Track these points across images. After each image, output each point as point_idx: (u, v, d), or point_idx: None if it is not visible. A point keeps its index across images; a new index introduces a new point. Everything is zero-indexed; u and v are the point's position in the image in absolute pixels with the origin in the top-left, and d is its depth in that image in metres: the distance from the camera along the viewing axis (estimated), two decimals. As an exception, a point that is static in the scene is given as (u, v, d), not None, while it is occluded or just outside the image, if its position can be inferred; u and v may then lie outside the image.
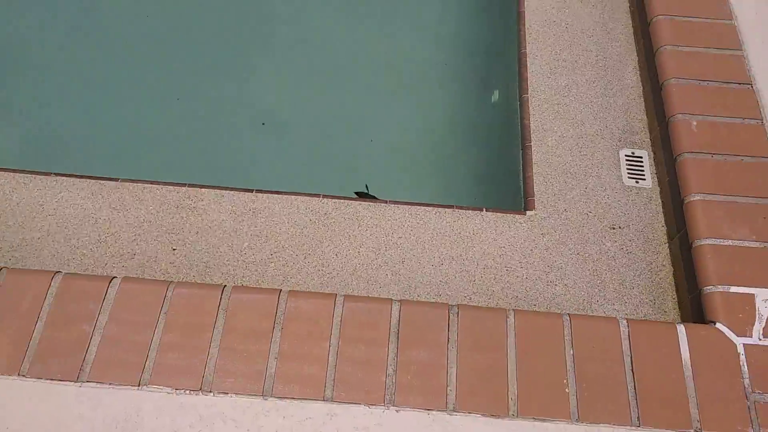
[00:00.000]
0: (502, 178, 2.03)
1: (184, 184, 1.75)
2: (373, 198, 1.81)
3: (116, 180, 1.74)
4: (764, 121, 1.65)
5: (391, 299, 1.40)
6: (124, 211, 1.69)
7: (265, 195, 1.72)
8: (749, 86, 1.70)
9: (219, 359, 1.32)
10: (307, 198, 1.71)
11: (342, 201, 1.71)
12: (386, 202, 1.71)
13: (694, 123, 1.63)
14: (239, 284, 1.57)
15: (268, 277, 1.59)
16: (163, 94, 2.35)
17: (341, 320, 1.36)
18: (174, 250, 1.65)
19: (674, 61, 1.74)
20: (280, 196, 1.71)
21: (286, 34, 2.53)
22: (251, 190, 1.72)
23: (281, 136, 2.22)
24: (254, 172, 2.12)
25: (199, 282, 1.58)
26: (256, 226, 1.67)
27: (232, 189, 1.73)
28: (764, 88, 1.70)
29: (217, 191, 1.72)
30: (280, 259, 1.62)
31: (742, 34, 1.81)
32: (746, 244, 1.46)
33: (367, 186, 1.98)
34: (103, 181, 1.74)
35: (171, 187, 1.74)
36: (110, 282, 1.41)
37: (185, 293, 1.40)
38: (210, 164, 2.10)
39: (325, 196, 1.72)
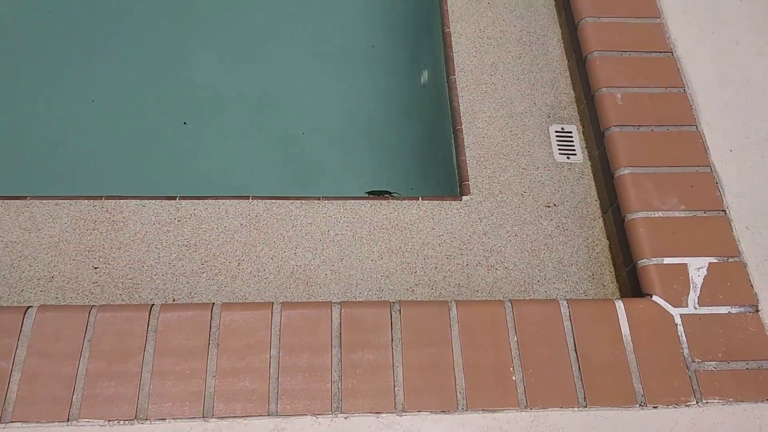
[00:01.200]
0: (437, 162, 2.00)
1: (100, 197, 1.63)
2: (387, 194, 1.72)
3: (24, 198, 1.61)
4: (686, 89, 1.67)
5: (331, 302, 1.35)
6: (37, 231, 1.57)
7: (190, 201, 1.62)
8: (670, 54, 1.72)
9: (153, 384, 1.24)
10: (236, 201, 1.63)
11: (273, 201, 1.64)
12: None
13: (619, 96, 1.64)
14: (171, 299, 1.49)
15: (201, 288, 1.51)
16: (75, 96, 2.19)
17: (280, 329, 1.30)
18: (96, 268, 1.54)
19: (596, 32, 1.74)
20: (205, 201, 1.62)
21: (204, 25, 2.41)
22: (174, 198, 1.63)
23: (205, 134, 2.11)
24: (179, 177, 2.01)
25: (127, 301, 1.49)
26: (183, 236, 1.58)
27: (153, 198, 1.63)
28: (684, 55, 1.73)
29: (138, 201, 1.62)
30: (213, 268, 1.54)
31: (659, 2, 1.82)
32: (676, 214, 1.48)
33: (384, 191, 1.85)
34: (9, 201, 1.60)
35: (86, 201, 1.62)
36: (25, 312, 1.30)
37: (110, 317, 1.31)
38: (129, 172, 1.98)
39: (254, 198, 1.65)
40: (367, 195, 1.75)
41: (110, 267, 1.54)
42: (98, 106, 2.13)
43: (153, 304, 1.33)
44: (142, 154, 2.04)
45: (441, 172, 1.93)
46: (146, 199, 1.63)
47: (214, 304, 1.33)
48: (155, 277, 1.53)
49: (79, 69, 2.21)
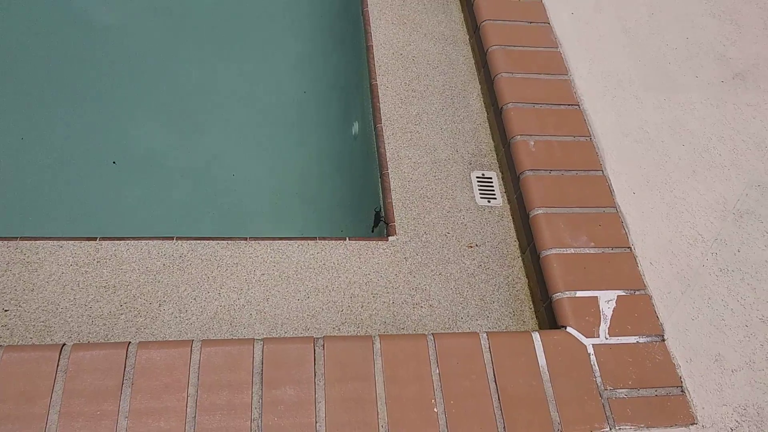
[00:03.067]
0: (366, 206, 2.05)
1: (15, 238, 1.57)
2: (378, 219, 1.76)
3: (-70, 239, 1.53)
4: (592, 137, 1.81)
5: (253, 339, 1.34)
6: (-59, 273, 1.49)
7: (111, 242, 1.59)
8: (577, 107, 1.87)
9: (60, 426, 1.18)
10: (159, 241, 1.61)
11: (198, 242, 1.63)
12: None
13: (532, 143, 1.75)
14: (85, 341, 1.43)
15: (118, 331, 1.46)
16: (4, 134, 2.13)
17: (199, 367, 1.27)
18: (6, 311, 1.47)
19: (510, 87, 1.87)
20: (127, 242, 1.59)
21: (141, 68, 2.42)
22: (95, 239, 1.59)
23: (134, 175, 2.09)
24: (105, 217, 1.97)
25: (36, 344, 1.41)
26: (101, 277, 1.54)
27: (72, 239, 1.58)
28: (590, 108, 1.88)
29: (55, 242, 1.57)
30: (132, 309, 1.50)
31: (567, 61, 1.99)
32: (586, 250, 1.58)
33: (375, 210, 1.87)
34: None
35: (0, 242, 1.56)
36: None
37: (17, 358, 1.25)
38: (52, 212, 1.92)
39: (179, 238, 1.63)
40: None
41: (21, 309, 1.47)
42: (27, 143, 2.08)
43: (64, 344, 1.27)
44: (68, 194, 1.99)
45: (370, 217, 1.98)
46: (64, 240, 1.58)
47: (129, 342, 1.29)
48: (69, 320, 1.47)
49: (11, 107, 2.17)
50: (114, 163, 2.10)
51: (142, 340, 1.42)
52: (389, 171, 1.84)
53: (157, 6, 2.63)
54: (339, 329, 1.54)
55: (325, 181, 2.33)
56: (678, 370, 1.41)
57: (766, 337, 1.47)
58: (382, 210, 1.76)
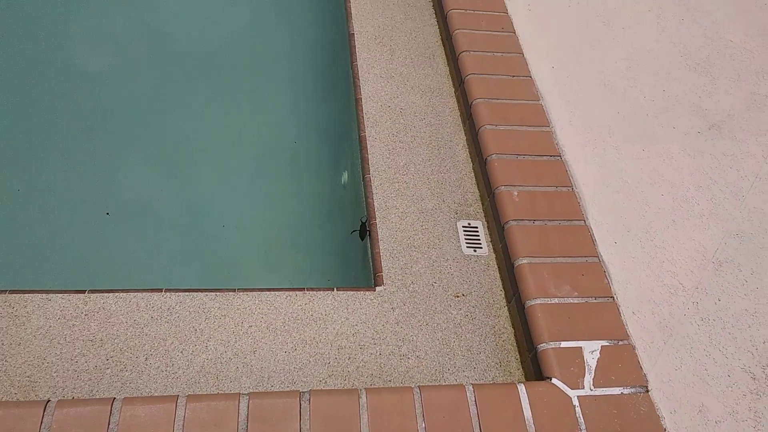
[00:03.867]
0: (355, 256, 2.07)
1: (4, 291, 1.58)
2: (365, 230, 1.86)
3: None
4: (574, 188, 1.85)
5: (239, 393, 1.34)
6: (-72, 328, 1.49)
7: (100, 295, 1.60)
8: (559, 158, 1.92)
9: (41, 489, 1.17)
10: (148, 294, 1.62)
11: (187, 294, 1.64)
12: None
13: (516, 193, 1.80)
14: (70, 397, 1.42)
15: (104, 386, 1.46)
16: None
17: (183, 423, 1.27)
18: (-9, 366, 1.46)
19: (494, 138, 1.93)
20: (116, 294, 1.61)
21: (131, 117, 2.47)
22: (83, 291, 1.60)
23: (125, 225, 2.11)
24: (95, 268, 1.98)
25: (21, 400, 1.41)
26: (89, 330, 1.54)
27: (61, 291, 1.59)
28: (571, 159, 1.93)
29: (43, 295, 1.58)
30: (118, 363, 1.50)
31: (549, 113, 2.05)
32: (570, 300, 1.60)
33: (362, 221, 1.93)
34: None
35: (-12, 295, 1.57)
36: None
37: (0, 414, 1.24)
38: (43, 264, 1.93)
39: (167, 290, 1.64)
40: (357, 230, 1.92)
41: (7, 364, 1.47)
42: (22, 195, 2.10)
43: (48, 400, 1.27)
44: (59, 245, 2.00)
45: (358, 266, 2.00)
46: (53, 293, 1.59)
47: (114, 398, 1.29)
48: (55, 375, 1.46)
49: (4, 159, 2.20)
50: (108, 214, 2.13)
51: (127, 395, 1.42)
52: (377, 221, 1.87)
53: (148, 55, 2.70)
54: (326, 382, 1.54)
55: (314, 230, 2.36)
56: (662, 422, 1.42)
57: (749, 388, 1.49)
58: (369, 221, 1.82)
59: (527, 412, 1.38)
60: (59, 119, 2.39)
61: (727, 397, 1.47)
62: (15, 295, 1.58)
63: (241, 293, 1.66)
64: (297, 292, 1.69)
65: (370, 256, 1.84)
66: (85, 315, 1.57)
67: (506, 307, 1.75)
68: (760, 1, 2.72)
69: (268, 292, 1.67)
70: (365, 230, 1.89)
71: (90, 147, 2.31)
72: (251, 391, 1.45)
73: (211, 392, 1.47)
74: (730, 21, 2.60)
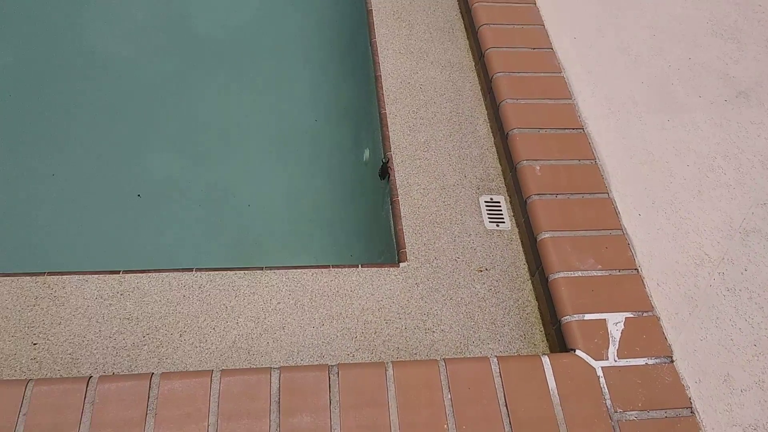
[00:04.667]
0: (379, 233, 2.10)
1: (42, 273, 1.65)
2: (386, 170, 1.92)
3: (-37, 276, 1.61)
4: (597, 161, 1.84)
5: (270, 367, 1.39)
6: (-26, 309, 1.56)
7: (134, 275, 1.66)
8: (581, 130, 1.91)
9: (87, 458, 1.23)
10: (179, 273, 1.67)
11: (217, 272, 1.69)
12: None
13: (538, 167, 1.80)
14: (111, 373, 1.49)
15: (142, 362, 1.52)
16: (27, 170, 2.22)
17: (219, 396, 1.33)
18: (35, 344, 1.54)
19: (515, 113, 1.92)
20: (149, 274, 1.66)
21: (156, 101, 2.51)
22: (118, 272, 1.66)
23: (153, 206, 2.17)
24: (130, 249, 2.04)
25: (64, 376, 1.48)
26: (125, 309, 1.60)
27: (96, 273, 1.65)
28: (594, 131, 1.92)
29: (81, 276, 1.64)
30: (154, 340, 1.56)
31: (571, 85, 2.04)
32: (593, 273, 1.61)
33: (383, 160, 1.99)
34: (-52, 279, 1.60)
35: (28, 277, 1.64)
36: (-44, 390, 1.29)
37: (46, 391, 1.31)
38: (78, 246, 2.00)
39: (198, 270, 1.69)
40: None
41: (50, 343, 1.54)
42: (57, 180, 2.17)
43: (90, 376, 1.33)
44: (92, 227, 2.07)
45: (382, 242, 2.03)
46: (89, 274, 1.65)
47: (153, 374, 1.35)
48: (95, 352, 1.53)
49: (40, 145, 2.27)
50: (139, 196, 2.18)
51: (165, 370, 1.48)
52: (399, 198, 1.89)
53: (168, 40, 2.72)
54: (353, 356, 1.58)
55: (338, 208, 2.39)
56: (687, 392, 1.43)
57: (776, 356, 1.49)
58: (390, 161, 1.88)
59: (551, 383, 1.41)
60: (86, 105, 2.44)
61: (753, 366, 1.47)
62: (53, 276, 1.64)
63: (269, 271, 1.70)
64: (323, 270, 1.72)
65: (393, 232, 1.86)
66: (121, 294, 1.63)
67: (530, 281, 1.77)
68: (791, -38, 2.63)
69: (294, 270, 1.71)
70: (386, 170, 1.95)
71: (116, 131, 2.36)
72: (282, 365, 1.50)
73: (244, 366, 1.52)
74: (759, -16, 2.52)
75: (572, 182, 1.78)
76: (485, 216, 1.89)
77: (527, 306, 1.73)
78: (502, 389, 1.39)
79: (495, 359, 1.44)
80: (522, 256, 1.82)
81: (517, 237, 1.85)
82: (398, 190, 1.91)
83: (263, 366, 1.51)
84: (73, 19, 2.72)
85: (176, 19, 2.81)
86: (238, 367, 1.49)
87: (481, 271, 1.78)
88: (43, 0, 2.77)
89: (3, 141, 2.28)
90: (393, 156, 1.98)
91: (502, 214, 1.90)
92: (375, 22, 2.37)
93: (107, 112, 2.43)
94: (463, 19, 2.42)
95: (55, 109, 2.41)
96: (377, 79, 2.18)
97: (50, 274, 1.65)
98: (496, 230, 1.87)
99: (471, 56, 2.31)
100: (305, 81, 2.68)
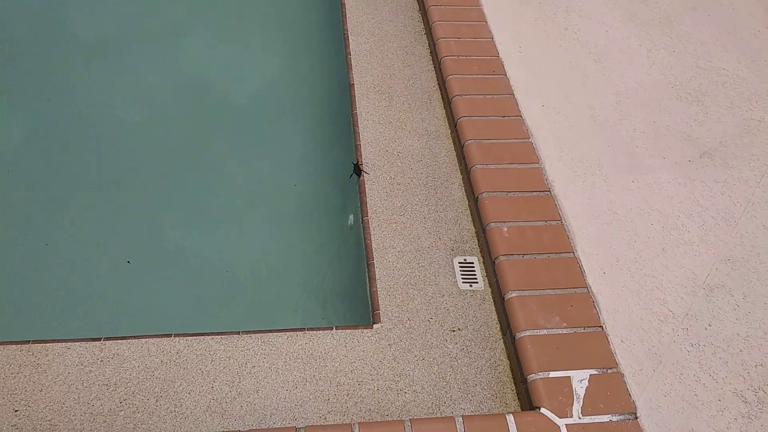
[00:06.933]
0: (358, 296, 2.15)
1: (27, 341, 1.71)
2: (358, 170, 2.05)
3: (-49, 345, 1.68)
4: (563, 221, 1.91)
5: (239, 430, 1.42)
6: (-40, 377, 1.62)
7: (114, 342, 1.72)
8: (548, 193, 1.99)
9: None
10: (158, 339, 1.73)
11: (194, 338, 1.75)
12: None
13: (505, 229, 1.87)
14: (86, 439, 1.53)
15: (118, 428, 1.56)
16: (31, 240, 2.32)
17: (186, 460, 1.36)
18: (16, 411, 1.59)
19: (485, 177, 2.01)
20: (129, 341, 1.72)
21: (144, 171, 2.63)
22: (99, 339, 1.72)
23: (145, 272, 2.25)
24: (111, 314, 2.10)
25: (42, 443, 1.52)
26: (104, 375, 1.65)
27: (79, 340, 1.72)
28: (560, 193, 2.00)
29: (63, 344, 1.70)
30: (131, 405, 1.60)
31: (539, 150, 2.13)
32: (559, 331, 1.64)
33: (354, 163, 2.14)
34: (-63, 349, 1.67)
35: (14, 345, 1.71)
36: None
37: (20, 457, 1.35)
38: (65, 313, 2.07)
39: (177, 335, 1.75)
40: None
41: (30, 410, 1.59)
42: (51, 249, 2.26)
43: (63, 442, 1.37)
44: (80, 292, 2.14)
45: (361, 305, 2.08)
46: (71, 341, 1.72)
47: (124, 438, 1.39)
48: (73, 418, 1.57)
49: (34, 215, 2.38)
50: (128, 262, 2.27)
51: (138, 435, 1.52)
52: (375, 261, 1.96)
53: (159, 112, 2.88)
54: (325, 418, 1.61)
55: (324, 270, 2.45)
56: (652, 448, 1.44)
57: (740, 411, 1.50)
58: (360, 161, 2.03)
59: (516, 442, 1.43)
60: (88, 173, 2.57)
61: (717, 421, 1.48)
62: (37, 344, 1.71)
63: (245, 335, 1.76)
64: (297, 332, 1.77)
65: (368, 295, 1.92)
66: (101, 361, 1.68)
67: (501, 340, 1.80)
68: (752, 29, 2.78)
69: (270, 333, 1.77)
70: (358, 170, 2.11)
71: (108, 201, 2.47)
72: (250, 428, 1.53)
73: (217, 430, 1.55)
74: (723, 50, 2.66)
75: (539, 243, 1.84)
76: (459, 277, 1.95)
77: (499, 365, 1.76)
78: (466, 449, 1.41)
79: (461, 418, 1.46)
80: (494, 316, 1.86)
81: (490, 297, 1.90)
82: (374, 254, 1.98)
83: (234, 429, 1.54)
84: (82, 87, 2.90)
85: (173, 93, 2.98)
86: (207, 431, 1.53)
87: (453, 330, 1.82)
88: (48, 68, 2.97)
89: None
90: (370, 221, 2.07)
91: (475, 275, 1.96)
92: (356, 96, 2.52)
93: (107, 179, 2.56)
94: (441, 90, 2.56)
95: (54, 178, 2.53)
96: (357, 148, 2.30)
97: (35, 342, 1.71)
98: (470, 290, 1.92)
99: (447, 124, 2.43)
100: (296, 148, 2.80)
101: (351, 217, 2.57)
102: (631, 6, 2.86)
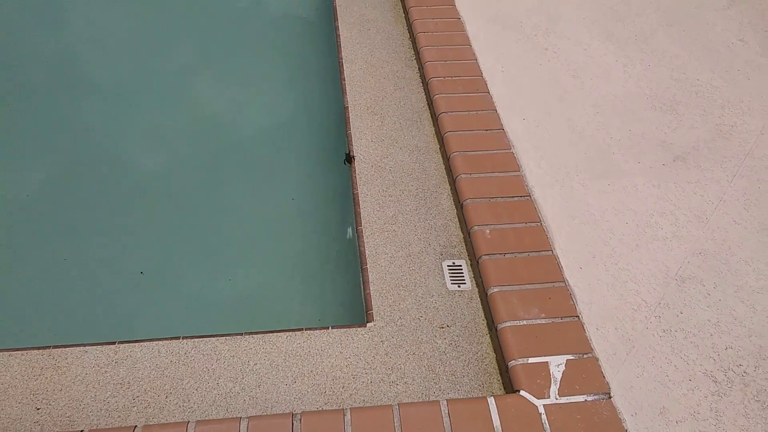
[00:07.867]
0: (355, 299, 2.28)
1: (49, 346, 1.86)
2: (350, 157, 2.35)
3: (-20, 351, 1.83)
4: (542, 223, 2.04)
5: (240, 417, 1.54)
6: (-13, 380, 1.77)
7: (127, 345, 1.86)
8: (528, 197, 2.12)
9: (74, 503, 1.38)
10: (168, 341, 1.87)
11: (201, 339, 1.88)
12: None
13: (488, 231, 2.00)
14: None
15: (131, 421, 1.69)
16: (49, 255, 2.48)
17: (192, 444, 1.48)
18: (38, 409, 1.72)
19: (469, 185, 2.15)
20: (141, 344, 1.86)
21: (154, 188, 2.80)
22: (114, 342, 1.86)
23: (153, 286, 2.39)
24: (130, 322, 2.25)
25: (61, 436, 1.65)
26: (118, 375, 1.79)
27: (95, 344, 1.86)
28: (540, 197, 2.13)
29: (81, 348, 1.85)
30: (143, 402, 1.74)
31: (519, 159, 2.28)
32: (537, 321, 1.76)
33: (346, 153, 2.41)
34: (-34, 355, 1.82)
35: (37, 351, 1.85)
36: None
37: (42, 445, 1.48)
38: (85, 320, 2.22)
39: (185, 338, 1.89)
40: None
41: (51, 407, 1.72)
42: (69, 263, 2.43)
43: (82, 430, 1.51)
44: (100, 303, 2.30)
45: (358, 307, 2.21)
46: (89, 345, 1.86)
47: (136, 426, 1.52)
48: (90, 414, 1.71)
49: (55, 232, 2.56)
50: (142, 273, 2.42)
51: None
52: (368, 266, 2.09)
53: (160, 150, 3.07)
54: (321, 409, 1.73)
55: (325, 279, 2.59)
56: (624, 424, 1.54)
57: (710, 390, 1.60)
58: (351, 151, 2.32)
59: (496, 422, 1.53)
60: (101, 203, 2.75)
61: (688, 399, 1.58)
62: (57, 349, 1.85)
63: (248, 336, 1.89)
64: (296, 332, 1.91)
65: (363, 297, 2.05)
66: (115, 362, 1.82)
67: (488, 335, 1.92)
68: (726, 41, 2.93)
69: (270, 334, 1.90)
70: (350, 157, 2.41)
71: (122, 219, 2.65)
72: (251, 415, 1.65)
73: (216, 418, 1.67)
74: (697, 62, 2.81)
75: (520, 242, 1.97)
76: (447, 278, 2.08)
77: (486, 358, 1.87)
78: (450, 429, 1.52)
79: (445, 402, 1.58)
80: (481, 313, 1.98)
81: (477, 296, 2.02)
82: (367, 260, 2.12)
83: (235, 416, 1.66)
84: (100, 129, 3.11)
85: (176, 134, 3.18)
86: (211, 418, 1.65)
87: (442, 327, 1.94)
88: (62, 109, 3.18)
89: (28, 232, 2.58)
90: (363, 230, 2.21)
91: (463, 276, 2.08)
92: (350, 117, 2.69)
93: (120, 209, 2.73)
94: (429, 109, 2.72)
95: (74, 210, 2.72)
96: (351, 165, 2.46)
97: (55, 347, 1.86)
98: (458, 291, 2.04)
99: (436, 140, 2.59)
100: (290, 163, 2.96)
101: (349, 230, 2.72)
102: (608, 25, 3.04)
